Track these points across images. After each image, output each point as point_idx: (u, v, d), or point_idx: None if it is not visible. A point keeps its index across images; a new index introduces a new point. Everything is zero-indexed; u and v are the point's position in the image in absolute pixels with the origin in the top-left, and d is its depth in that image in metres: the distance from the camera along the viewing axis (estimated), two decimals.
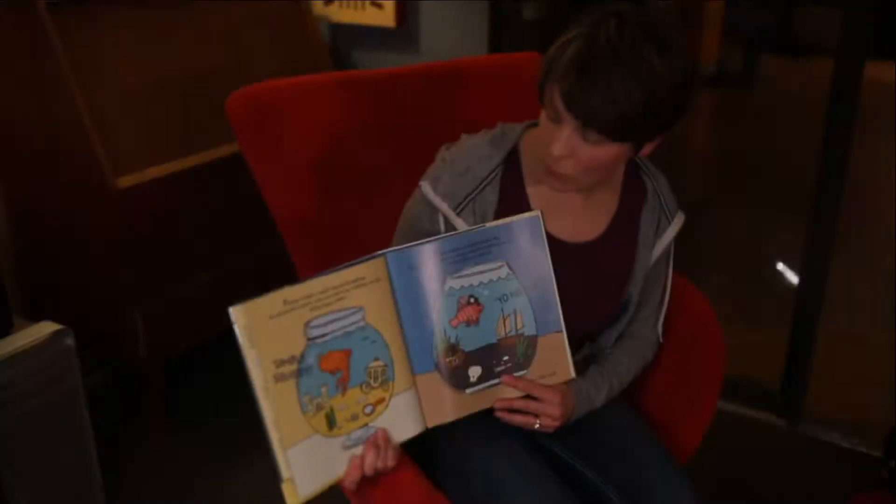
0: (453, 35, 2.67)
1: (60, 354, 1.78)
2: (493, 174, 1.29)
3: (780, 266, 3.60)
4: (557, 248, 1.30)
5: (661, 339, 1.48)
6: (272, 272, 1.30)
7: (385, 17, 2.72)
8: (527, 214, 1.24)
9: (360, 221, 1.59)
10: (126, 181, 2.02)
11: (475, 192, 1.28)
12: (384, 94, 1.65)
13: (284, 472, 1.06)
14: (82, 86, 2.00)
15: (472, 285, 1.20)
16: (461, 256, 1.19)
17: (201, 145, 2.23)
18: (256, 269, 2.41)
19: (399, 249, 1.16)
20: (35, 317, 1.83)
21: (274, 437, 1.04)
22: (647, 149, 1.22)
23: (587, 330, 1.42)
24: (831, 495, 2.12)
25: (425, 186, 1.29)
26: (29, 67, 2.04)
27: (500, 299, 1.23)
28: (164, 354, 2.28)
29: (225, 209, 2.31)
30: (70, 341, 1.79)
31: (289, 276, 1.09)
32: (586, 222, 1.36)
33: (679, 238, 1.42)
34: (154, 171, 2.10)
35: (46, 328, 1.77)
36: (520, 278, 1.24)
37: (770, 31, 6.78)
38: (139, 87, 2.16)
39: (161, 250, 2.17)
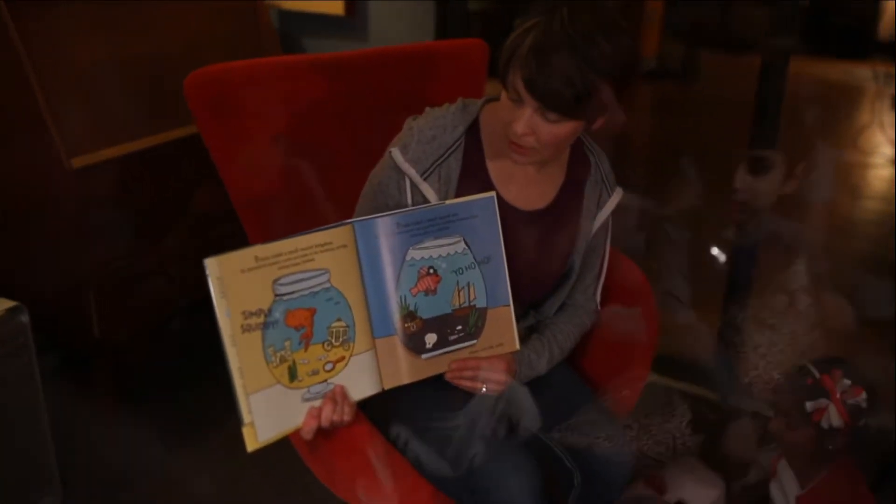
0: (401, 25, 2.72)
1: (15, 331, 1.78)
2: (457, 143, 1.38)
3: (715, 251, 3.74)
4: (511, 214, 1.40)
5: (598, 307, 1.58)
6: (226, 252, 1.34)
7: (334, 5, 2.77)
8: (483, 195, 1.33)
9: (316, 200, 1.64)
10: (80, 161, 2.04)
11: (441, 160, 1.37)
12: (339, 76, 1.70)
13: (246, 417, 1.12)
14: (36, 67, 2.00)
15: (431, 257, 1.28)
16: (422, 229, 1.27)
17: (155, 128, 2.25)
18: (210, 251, 2.43)
19: (365, 219, 1.24)
20: None
21: (238, 383, 1.11)
22: (598, 123, 1.32)
23: (534, 295, 1.51)
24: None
25: (395, 152, 1.37)
26: None
27: (455, 272, 1.31)
28: (116, 335, 2.28)
29: (179, 190, 2.33)
30: (24, 318, 1.79)
31: None
32: (537, 192, 1.45)
33: (618, 223, 1.52)
34: (108, 153, 2.11)
35: (0, 305, 1.77)
36: (474, 253, 1.32)
37: (708, 28, 6.97)
38: (92, 70, 2.16)
39: (114, 231, 2.18)
